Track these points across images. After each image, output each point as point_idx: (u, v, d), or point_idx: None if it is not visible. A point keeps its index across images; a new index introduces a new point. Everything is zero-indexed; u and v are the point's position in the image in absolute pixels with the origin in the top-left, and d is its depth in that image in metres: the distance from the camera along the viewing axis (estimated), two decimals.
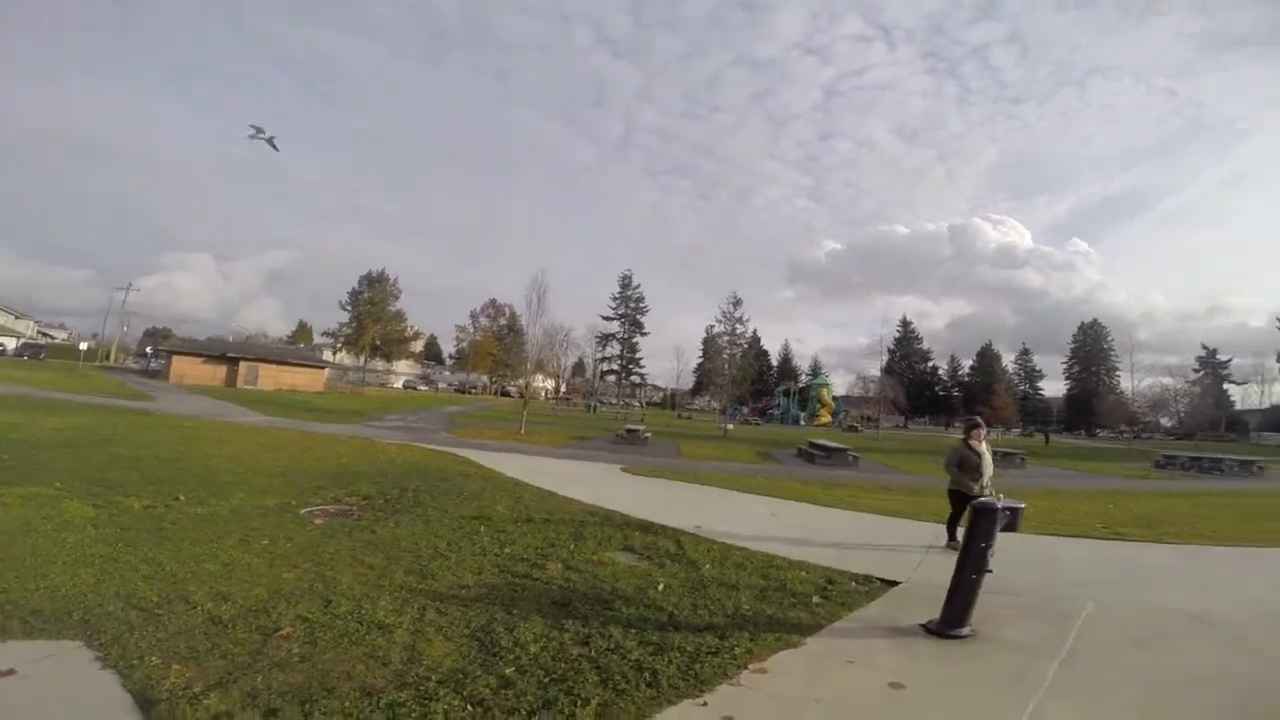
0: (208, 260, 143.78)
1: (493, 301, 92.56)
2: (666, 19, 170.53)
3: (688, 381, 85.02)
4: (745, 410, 76.41)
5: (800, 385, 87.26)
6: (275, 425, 19.22)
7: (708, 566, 5.45)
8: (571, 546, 5.98)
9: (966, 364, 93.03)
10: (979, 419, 6.94)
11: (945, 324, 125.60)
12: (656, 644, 3.68)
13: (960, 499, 6.45)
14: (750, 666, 3.42)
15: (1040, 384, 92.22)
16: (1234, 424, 76.57)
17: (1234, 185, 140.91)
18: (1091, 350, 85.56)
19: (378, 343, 79.96)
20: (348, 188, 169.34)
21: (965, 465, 6.51)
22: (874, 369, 65.67)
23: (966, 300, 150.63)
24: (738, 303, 75.35)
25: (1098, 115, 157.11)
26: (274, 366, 53.31)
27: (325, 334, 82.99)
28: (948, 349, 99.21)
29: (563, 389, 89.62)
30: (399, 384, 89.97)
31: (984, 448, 6.55)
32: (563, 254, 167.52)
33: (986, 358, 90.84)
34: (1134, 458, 31.09)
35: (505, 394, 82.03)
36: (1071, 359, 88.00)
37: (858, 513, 9.06)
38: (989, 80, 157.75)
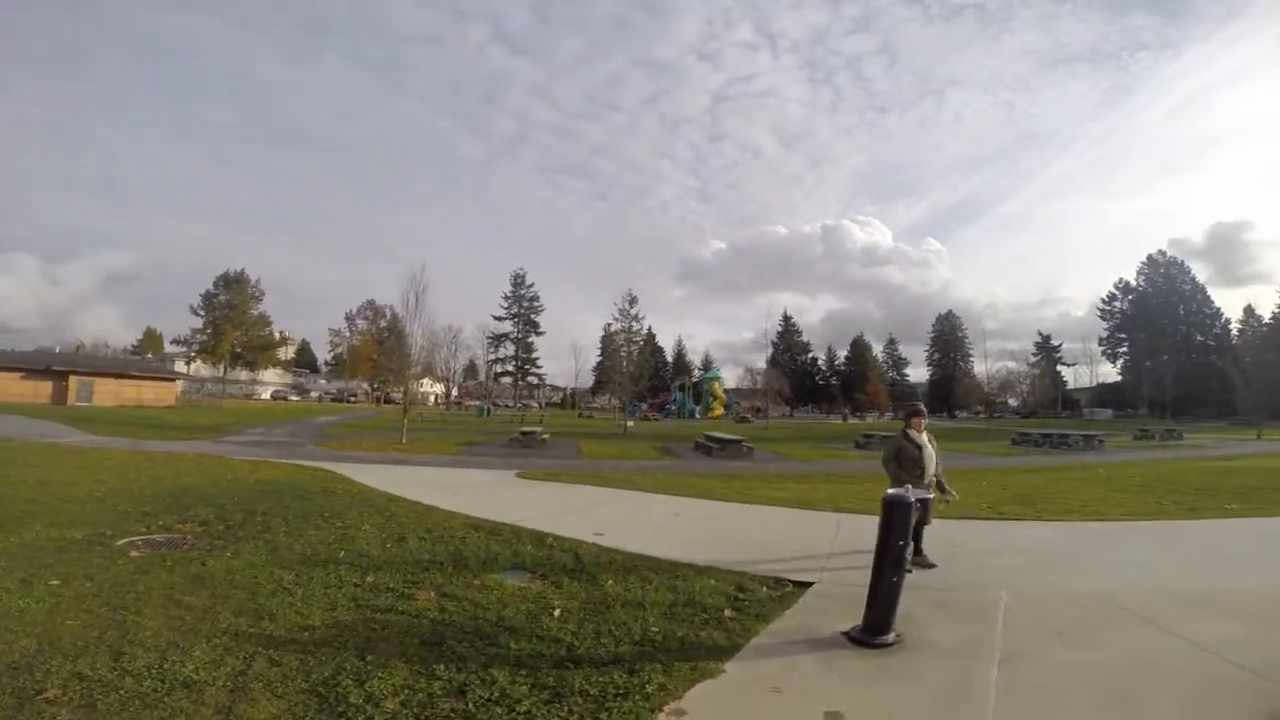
0: (30, 261, 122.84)
1: (371, 303, 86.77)
2: (571, 18, 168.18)
3: (587, 380, 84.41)
4: (644, 407, 76.94)
5: (694, 380, 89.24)
6: (106, 445, 16.45)
7: (610, 582, 4.85)
8: (449, 569, 5.16)
9: (842, 354, 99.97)
10: (920, 405, 5.82)
11: (821, 318, 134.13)
12: (553, 687, 3.03)
13: None
14: (666, 708, 2.85)
15: (906, 370, 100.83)
16: (1068, 402, 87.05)
17: (1055, 192, 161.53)
18: (948, 339, 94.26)
19: (239, 350, 73.00)
20: (203, 180, 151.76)
21: (904, 459, 5.52)
22: (760, 362, 68.39)
23: (837, 296, 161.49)
24: (633, 300, 75.33)
25: (950, 125, 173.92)
26: (113, 380, 46.78)
27: (176, 342, 74.20)
28: (824, 341, 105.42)
29: (454, 393, 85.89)
30: (267, 395, 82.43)
31: (925, 438, 5.57)
32: (450, 253, 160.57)
33: (859, 348, 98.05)
34: (992, 436, 34.11)
35: (389, 401, 77.55)
36: (932, 347, 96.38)
37: (757, 506, 8.84)
38: (860, 90, 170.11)
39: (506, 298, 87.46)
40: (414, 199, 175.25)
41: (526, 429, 22.51)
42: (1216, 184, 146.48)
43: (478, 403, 71.51)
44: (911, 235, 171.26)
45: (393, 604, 4.24)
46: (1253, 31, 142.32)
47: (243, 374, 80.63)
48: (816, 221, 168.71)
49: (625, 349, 76.52)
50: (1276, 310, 70.12)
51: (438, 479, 11.63)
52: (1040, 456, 20.91)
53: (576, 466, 15.17)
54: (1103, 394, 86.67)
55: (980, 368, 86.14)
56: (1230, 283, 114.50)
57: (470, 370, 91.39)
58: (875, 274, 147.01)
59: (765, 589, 4.76)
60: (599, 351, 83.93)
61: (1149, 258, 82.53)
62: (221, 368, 71.35)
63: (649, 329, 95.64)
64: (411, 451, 18.34)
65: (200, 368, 73.50)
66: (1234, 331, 76.23)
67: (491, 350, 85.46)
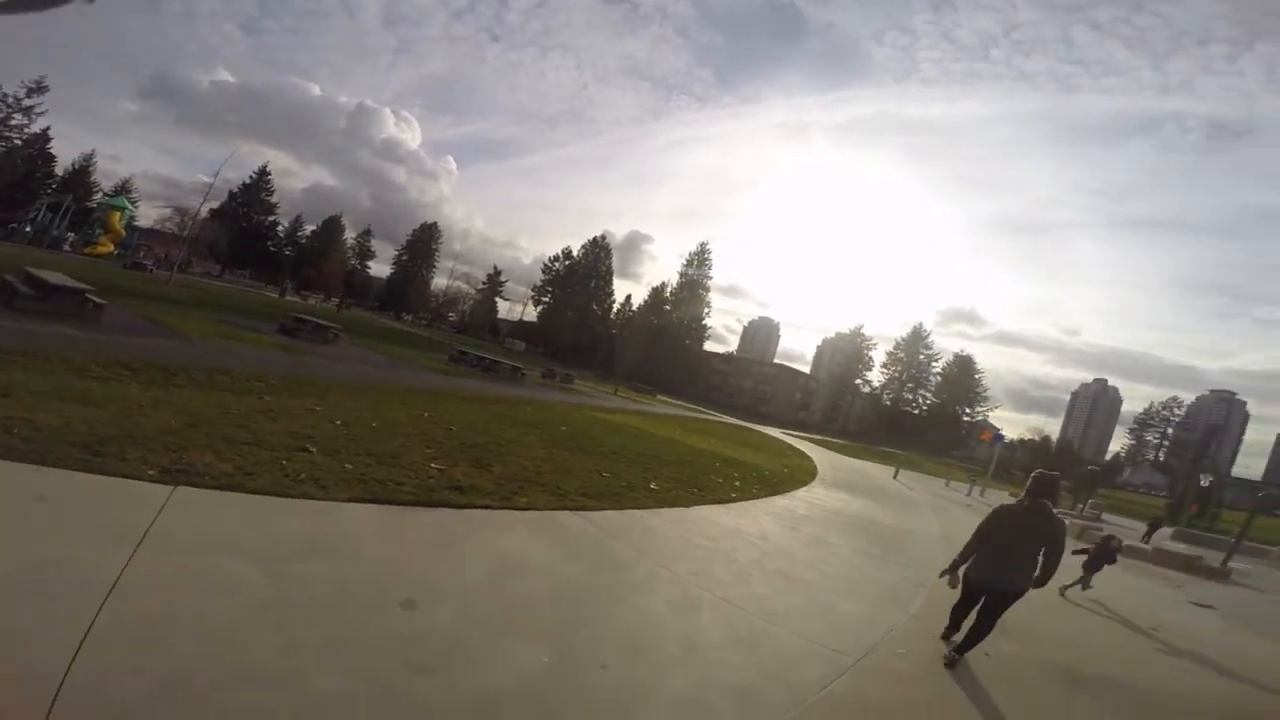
0: None
1: None
2: None
3: None
4: None
5: (91, 205, 62.59)
6: None
7: None
8: None
9: (310, 229, 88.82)
10: None
11: (305, 187, 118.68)
12: None
13: None
14: None
15: (370, 263, 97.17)
16: (495, 328, 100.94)
17: (562, 165, 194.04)
18: (422, 247, 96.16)
19: None
20: None
21: None
22: (203, 207, 52.17)
23: (334, 173, 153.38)
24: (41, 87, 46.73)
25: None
26: None
27: None
28: (296, 210, 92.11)
29: None
30: None
31: None
32: None
33: (331, 228, 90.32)
34: (434, 348, 34.03)
35: None
36: (404, 249, 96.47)
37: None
38: None
39: None
40: None
41: None
42: (659, 201, 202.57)
43: None
44: (436, 149, 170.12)
45: None
46: None
47: None
48: (356, 97, 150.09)
49: None
50: (642, 304, 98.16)
51: None
52: (473, 380, 21.00)
53: None
54: (522, 329, 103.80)
55: (440, 281, 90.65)
56: (625, 276, 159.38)
57: None
58: (384, 167, 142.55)
59: None
60: None
61: (592, 239, 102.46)
62: None
63: (46, 130, 61.69)
64: None
65: None
66: (615, 311, 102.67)
67: None
